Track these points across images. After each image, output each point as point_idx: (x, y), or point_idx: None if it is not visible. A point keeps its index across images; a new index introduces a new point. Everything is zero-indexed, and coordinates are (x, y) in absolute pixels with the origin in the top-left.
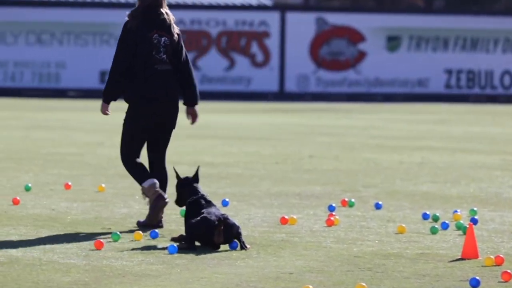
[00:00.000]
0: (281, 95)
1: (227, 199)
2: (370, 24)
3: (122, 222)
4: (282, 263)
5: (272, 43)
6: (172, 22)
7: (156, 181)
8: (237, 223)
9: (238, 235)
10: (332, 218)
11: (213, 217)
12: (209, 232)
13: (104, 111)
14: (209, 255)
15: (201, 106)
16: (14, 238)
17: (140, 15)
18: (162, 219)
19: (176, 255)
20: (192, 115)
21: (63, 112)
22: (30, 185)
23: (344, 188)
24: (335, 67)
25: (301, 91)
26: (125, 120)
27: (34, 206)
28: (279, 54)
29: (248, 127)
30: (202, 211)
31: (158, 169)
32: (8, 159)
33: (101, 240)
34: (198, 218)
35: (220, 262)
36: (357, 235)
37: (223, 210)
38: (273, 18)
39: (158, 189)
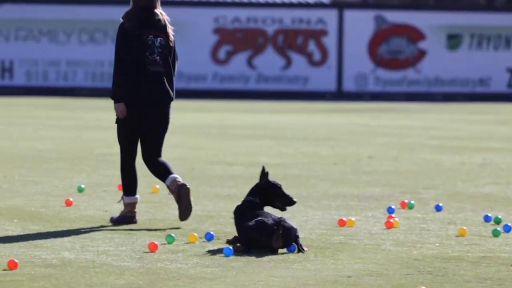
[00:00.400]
0: (339, 95)
1: None
2: (430, 22)
3: (177, 224)
4: (340, 266)
5: (330, 42)
6: (167, 22)
7: (138, 199)
8: (294, 226)
9: (295, 238)
10: (391, 220)
11: (271, 221)
12: (267, 237)
13: (122, 111)
14: (265, 258)
15: (257, 106)
16: (67, 240)
17: (135, 16)
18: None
19: (231, 257)
20: None
21: None
22: (83, 186)
23: (403, 190)
24: (394, 66)
25: (360, 91)
26: (117, 121)
27: (87, 208)
28: (337, 53)
29: (305, 127)
30: (257, 212)
31: (155, 163)
32: (60, 159)
33: (155, 242)
34: (255, 222)
35: (276, 265)
36: (417, 238)
37: (280, 213)
38: (330, 16)
39: (135, 209)
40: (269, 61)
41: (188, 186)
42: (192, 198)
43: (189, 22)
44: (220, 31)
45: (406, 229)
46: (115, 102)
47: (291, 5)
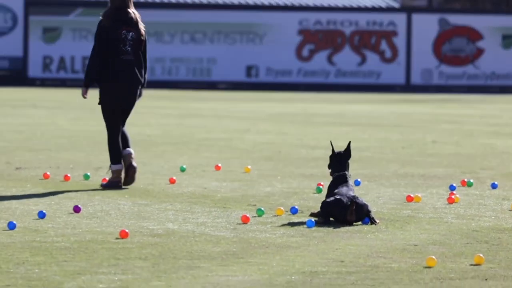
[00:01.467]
0: (407, 87)
1: (359, 179)
2: (488, 24)
3: (266, 200)
4: (408, 236)
5: (400, 41)
6: (138, 19)
7: (122, 167)
8: (366, 203)
9: (368, 213)
10: (453, 197)
11: (345, 199)
12: (342, 212)
13: (84, 94)
14: (342, 229)
15: (336, 97)
16: (171, 213)
17: (110, 14)
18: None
19: (313, 228)
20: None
21: (214, 102)
22: (185, 166)
23: (463, 170)
24: (456, 62)
25: (425, 84)
26: (100, 102)
27: (188, 185)
28: (406, 51)
29: (378, 116)
30: (336, 191)
31: (122, 132)
32: (166, 143)
33: (247, 215)
34: (332, 198)
35: (352, 235)
36: (475, 212)
37: (356, 189)
38: (400, 19)
39: (121, 176)
40: (347, 58)
41: (135, 167)
42: (136, 175)
43: (277, 25)
44: (304, 32)
45: (466, 204)
46: (84, 86)
47: (366, 9)
